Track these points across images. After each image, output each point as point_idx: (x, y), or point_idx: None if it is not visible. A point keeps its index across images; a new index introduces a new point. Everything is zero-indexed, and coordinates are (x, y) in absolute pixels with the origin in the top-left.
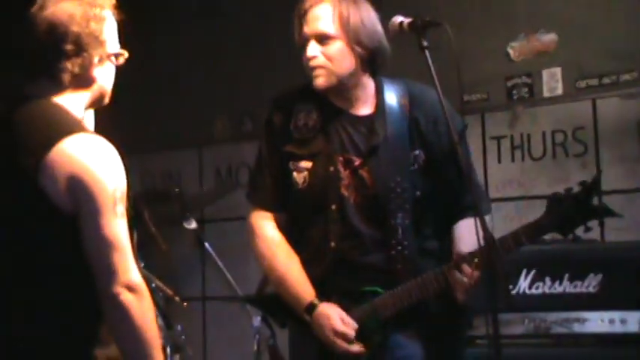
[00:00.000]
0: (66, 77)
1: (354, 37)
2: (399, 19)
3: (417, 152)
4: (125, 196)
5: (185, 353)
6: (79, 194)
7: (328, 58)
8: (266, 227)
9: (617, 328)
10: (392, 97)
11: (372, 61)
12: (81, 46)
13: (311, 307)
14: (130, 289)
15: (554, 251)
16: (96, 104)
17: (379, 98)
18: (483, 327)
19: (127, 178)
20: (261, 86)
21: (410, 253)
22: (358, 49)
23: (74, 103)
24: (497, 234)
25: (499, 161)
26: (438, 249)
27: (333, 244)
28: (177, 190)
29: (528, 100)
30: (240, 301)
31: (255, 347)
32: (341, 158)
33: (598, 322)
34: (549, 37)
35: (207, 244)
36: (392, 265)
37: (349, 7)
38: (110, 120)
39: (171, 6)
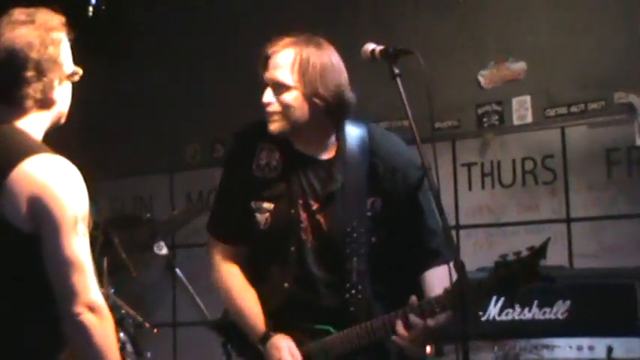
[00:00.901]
0: (28, 103)
1: (311, 88)
2: (370, 46)
3: (374, 199)
4: (87, 217)
5: None
6: (40, 213)
7: (284, 105)
8: (224, 259)
9: (585, 355)
10: (353, 143)
11: (334, 109)
12: (41, 72)
13: (265, 338)
14: (92, 309)
15: None
16: (54, 125)
17: (340, 143)
18: (453, 353)
19: (97, 203)
20: (232, 113)
21: (364, 297)
22: (315, 100)
23: (35, 126)
24: (468, 261)
25: (469, 188)
26: (393, 294)
27: (286, 285)
28: (148, 215)
29: (498, 128)
30: (205, 325)
31: None
32: (301, 201)
33: (566, 348)
34: (519, 66)
35: (177, 270)
36: (345, 307)
37: (311, 56)
38: (81, 145)
39: (144, 31)
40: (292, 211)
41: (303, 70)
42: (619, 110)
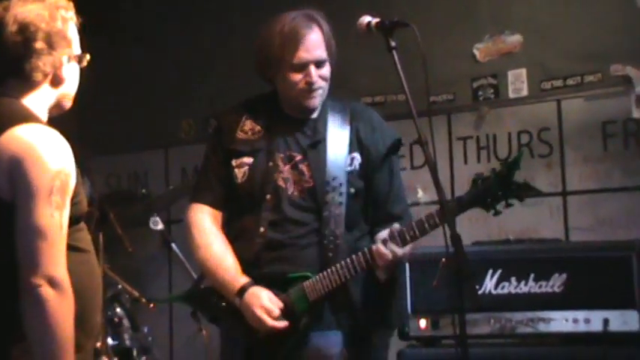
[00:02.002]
0: (38, 76)
1: (333, 59)
2: (366, 19)
3: (354, 155)
4: (66, 191)
5: (152, 355)
6: (17, 177)
7: (324, 79)
8: (204, 219)
9: (581, 328)
10: (335, 107)
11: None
12: (51, 45)
13: (242, 290)
14: (52, 283)
15: (520, 251)
16: (59, 108)
17: (324, 106)
18: (450, 327)
19: (91, 179)
20: (226, 87)
21: (340, 243)
22: (333, 67)
23: (41, 102)
24: (463, 236)
25: (465, 162)
26: (368, 244)
27: (262, 229)
28: (143, 191)
29: (494, 101)
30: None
31: None
32: (282, 155)
33: (562, 321)
34: (514, 39)
35: (173, 245)
36: (323, 252)
37: (329, 32)
38: (76, 121)
39: (138, 7)
40: (270, 163)
41: (328, 43)
42: (615, 83)
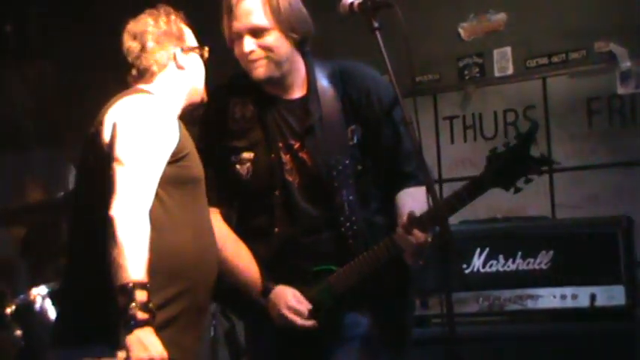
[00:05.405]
0: (154, 67)
1: (287, 25)
2: (349, 0)
3: (353, 127)
4: (156, 139)
5: None
6: (115, 130)
7: (266, 49)
8: (213, 222)
9: (569, 304)
10: (323, 77)
11: (303, 43)
12: (160, 41)
13: (267, 290)
14: (127, 208)
15: (507, 229)
16: (191, 103)
17: (310, 79)
18: (438, 306)
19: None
20: (209, 72)
21: (359, 228)
22: (293, 35)
23: (163, 87)
24: None
25: (452, 141)
26: (386, 223)
27: (277, 229)
28: None
29: (479, 80)
30: None
31: (212, 333)
32: (281, 144)
33: (550, 298)
34: (499, 17)
35: None
36: (342, 241)
37: None
38: (60, 108)
39: None
40: (272, 155)
41: (274, 8)
42: (599, 59)
